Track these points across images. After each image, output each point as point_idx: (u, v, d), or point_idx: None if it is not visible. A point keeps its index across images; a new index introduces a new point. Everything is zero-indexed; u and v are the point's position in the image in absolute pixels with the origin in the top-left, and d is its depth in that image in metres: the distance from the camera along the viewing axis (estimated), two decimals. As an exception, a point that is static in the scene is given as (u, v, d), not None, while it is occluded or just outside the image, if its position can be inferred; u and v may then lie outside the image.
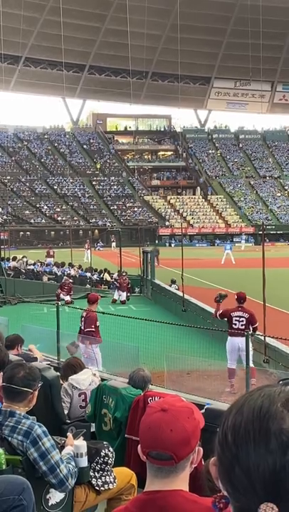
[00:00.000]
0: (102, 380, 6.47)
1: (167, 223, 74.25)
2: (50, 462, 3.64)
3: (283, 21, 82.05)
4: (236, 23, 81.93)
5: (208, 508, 1.67)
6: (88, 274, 29.72)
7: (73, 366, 6.55)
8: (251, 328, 11.06)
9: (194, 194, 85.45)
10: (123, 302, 23.48)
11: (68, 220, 65.17)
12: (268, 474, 0.99)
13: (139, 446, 1.89)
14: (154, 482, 1.84)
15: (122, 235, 38.21)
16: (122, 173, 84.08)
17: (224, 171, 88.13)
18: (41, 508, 3.77)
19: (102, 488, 4.24)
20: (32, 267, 31.33)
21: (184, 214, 76.98)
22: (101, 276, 29.77)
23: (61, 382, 6.35)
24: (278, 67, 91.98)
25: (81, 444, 4.06)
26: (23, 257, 32.55)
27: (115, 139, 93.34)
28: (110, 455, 4.43)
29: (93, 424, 5.63)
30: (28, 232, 67.47)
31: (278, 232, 71.43)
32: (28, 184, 76.89)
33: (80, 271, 30.81)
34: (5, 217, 64.85)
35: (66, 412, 5.98)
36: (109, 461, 4.39)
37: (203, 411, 4.46)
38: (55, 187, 77.73)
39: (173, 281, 23.65)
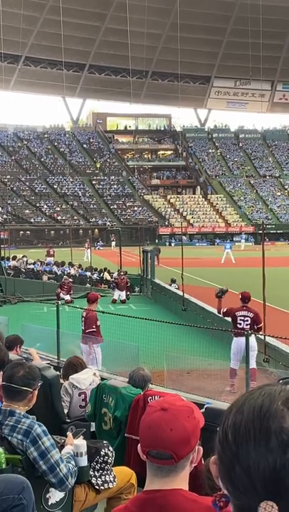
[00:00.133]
0: (102, 379, 6.47)
1: (167, 222, 74.27)
2: (50, 461, 3.64)
3: (283, 20, 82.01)
4: (236, 22, 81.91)
5: (208, 507, 1.67)
6: (88, 274, 29.72)
7: (74, 365, 6.55)
8: (255, 328, 11.02)
9: (194, 193, 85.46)
10: (123, 301, 23.47)
11: (68, 220, 65.18)
12: (268, 473, 0.99)
13: (139, 445, 1.89)
14: (154, 481, 1.84)
15: (122, 234, 38.21)
16: (122, 172, 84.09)
17: (224, 170, 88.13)
18: (41, 507, 3.77)
19: (101, 488, 4.23)
20: (32, 266, 31.33)
21: (184, 213, 76.99)
22: (101, 275, 29.77)
23: (62, 381, 6.36)
24: (278, 67, 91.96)
25: (81, 443, 4.06)
26: (23, 257, 32.55)
27: (115, 138, 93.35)
28: (110, 454, 4.43)
29: (93, 424, 5.63)
30: (28, 232, 67.48)
31: (278, 231, 71.43)
32: (28, 183, 76.90)
33: (80, 270, 30.81)
34: (5, 216, 64.85)
35: (66, 411, 5.98)
36: (109, 461, 4.39)
37: (203, 410, 4.46)
38: (55, 186, 77.73)
39: (173, 281, 23.64)
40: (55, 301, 14.36)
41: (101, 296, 14.28)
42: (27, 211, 71.15)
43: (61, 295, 23.09)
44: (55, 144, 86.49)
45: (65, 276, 26.29)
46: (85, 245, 42.01)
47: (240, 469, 1.02)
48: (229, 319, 11.61)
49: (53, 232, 67.88)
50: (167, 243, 65.53)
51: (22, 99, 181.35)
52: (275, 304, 17.10)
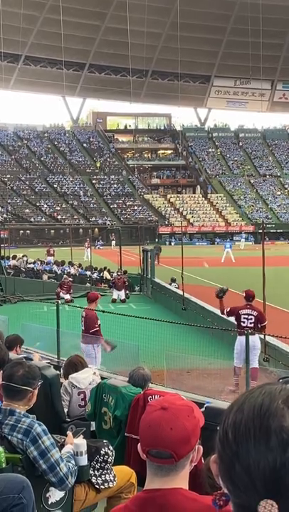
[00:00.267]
0: (102, 378, 6.47)
1: (167, 222, 74.27)
2: (50, 461, 3.64)
3: (283, 19, 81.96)
4: (236, 21, 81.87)
5: (207, 506, 1.67)
6: (88, 273, 29.73)
7: (75, 364, 6.54)
8: (259, 326, 10.97)
9: (194, 193, 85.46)
10: (123, 301, 23.49)
11: (68, 219, 65.20)
12: (268, 472, 0.99)
13: (139, 444, 1.89)
14: (154, 480, 1.84)
15: (122, 233, 38.19)
16: (122, 171, 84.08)
17: (224, 169, 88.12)
18: (41, 506, 3.77)
19: (102, 487, 4.24)
20: (32, 265, 31.33)
21: (184, 212, 76.99)
22: (101, 274, 29.78)
23: (63, 379, 6.36)
24: (278, 66, 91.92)
25: (81, 442, 4.06)
26: (23, 256, 32.55)
27: (115, 137, 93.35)
28: (110, 453, 4.43)
29: (93, 423, 5.63)
30: (28, 231, 67.46)
31: (278, 230, 71.42)
32: (28, 183, 76.90)
33: (80, 269, 30.82)
34: (5, 215, 64.87)
35: (65, 410, 5.98)
36: (109, 460, 4.39)
37: (203, 409, 4.46)
38: (55, 185, 77.73)
39: (173, 280, 23.65)
40: (55, 301, 14.36)
41: (101, 295, 14.26)
42: (27, 210, 71.14)
43: (61, 294, 23.10)
44: (55, 143, 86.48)
45: (64, 276, 26.28)
46: (85, 244, 42.01)
47: (240, 468, 1.02)
48: (232, 319, 11.48)
49: (53, 231, 67.88)
50: (167, 242, 65.53)
51: (22, 98, 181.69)
52: (275, 303, 17.10)
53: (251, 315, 11.02)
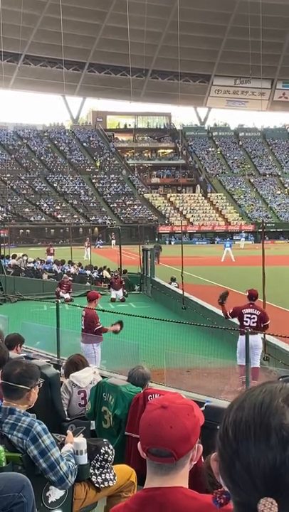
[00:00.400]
0: (102, 377, 6.47)
1: (167, 221, 74.27)
2: (50, 459, 3.64)
3: (283, 19, 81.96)
4: (236, 20, 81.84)
5: (207, 504, 1.67)
6: (88, 272, 29.74)
7: (75, 363, 6.54)
8: (262, 326, 10.94)
9: (194, 192, 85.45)
10: (122, 300, 23.52)
11: (68, 218, 65.20)
12: (268, 470, 0.99)
13: (139, 443, 1.89)
14: (154, 479, 1.84)
15: (122, 232, 38.18)
16: (121, 171, 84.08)
17: (224, 168, 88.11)
18: (41, 505, 3.77)
19: (102, 486, 4.24)
20: (32, 264, 31.33)
21: (184, 212, 76.99)
22: (100, 273, 29.78)
23: (64, 378, 6.36)
24: (278, 65, 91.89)
25: (81, 441, 4.06)
26: (23, 255, 32.54)
27: (115, 136, 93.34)
28: (110, 452, 4.43)
29: (93, 422, 5.63)
30: (28, 230, 67.44)
31: (278, 230, 71.44)
32: (27, 182, 76.90)
33: (79, 269, 30.83)
34: (5, 215, 64.89)
35: (65, 409, 5.98)
36: (109, 459, 4.39)
37: (202, 408, 4.46)
38: (55, 185, 77.73)
39: (173, 279, 23.66)
40: (55, 300, 14.33)
41: (101, 294, 14.26)
42: (27, 210, 71.14)
43: (60, 293, 23.10)
44: (55, 142, 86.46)
45: (64, 275, 26.29)
46: (84, 244, 42.00)
47: (240, 466, 1.03)
48: (235, 319, 11.39)
49: (52, 230, 67.87)
50: (167, 242, 65.54)
51: (22, 97, 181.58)
52: (274, 302, 17.09)
53: (254, 314, 10.98)
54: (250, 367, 9.78)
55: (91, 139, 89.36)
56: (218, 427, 1.10)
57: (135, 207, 76.26)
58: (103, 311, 12.74)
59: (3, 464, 3.52)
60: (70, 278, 25.89)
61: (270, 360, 11.97)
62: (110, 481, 4.28)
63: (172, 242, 63.64)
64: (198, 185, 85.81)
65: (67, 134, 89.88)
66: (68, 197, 74.80)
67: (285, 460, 0.99)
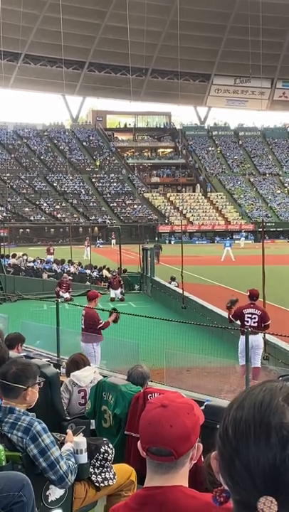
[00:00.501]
0: (102, 376, 6.47)
1: (167, 220, 74.26)
2: (50, 459, 3.64)
3: (283, 18, 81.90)
4: (236, 19, 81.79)
5: (207, 503, 1.67)
6: (88, 272, 29.74)
7: (77, 362, 6.54)
8: (263, 326, 10.94)
9: (194, 191, 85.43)
10: (122, 299, 23.54)
11: (68, 218, 65.15)
12: (268, 468, 0.99)
13: (139, 442, 1.89)
14: (154, 478, 1.84)
15: (122, 232, 38.20)
16: (121, 170, 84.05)
17: (224, 168, 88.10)
18: (41, 504, 3.77)
19: (101, 485, 4.24)
20: (32, 264, 31.32)
21: (184, 211, 76.98)
22: (100, 273, 29.78)
23: (65, 377, 6.36)
24: (278, 64, 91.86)
25: (81, 440, 4.07)
26: (23, 255, 32.53)
27: (115, 136, 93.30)
28: (110, 451, 4.43)
29: (93, 421, 5.63)
30: (28, 230, 67.41)
31: (278, 229, 71.44)
32: (27, 181, 76.88)
33: (79, 268, 30.83)
34: (5, 214, 64.86)
35: (65, 408, 5.98)
36: (109, 458, 4.39)
37: (202, 407, 4.47)
38: (55, 184, 77.71)
39: (173, 279, 23.66)
40: (55, 299, 14.34)
41: (101, 294, 14.26)
42: (27, 209, 71.12)
43: (60, 293, 23.11)
44: (55, 141, 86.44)
45: (64, 275, 26.30)
46: (84, 243, 41.99)
47: (240, 464, 1.03)
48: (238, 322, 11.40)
49: (52, 230, 67.83)
50: (167, 241, 65.53)
51: (22, 97, 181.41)
52: (274, 301, 17.09)
53: (255, 314, 11.00)
54: (251, 366, 9.79)
55: (91, 138, 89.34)
56: (218, 426, 1.10)
57: (135, 206, 76.24)
58: (103, 310, 12.75)
59: (3, 463, 3.52)
60: (70, 277, 25.89)
61: (270, 359, 11.97)
62: (110, 480, 4.29)
63: (172, 242, 63.62)
64: (198, 185, 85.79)
65: (67, 133, 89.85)
66: (68, 196, 74.78)
67: (284, 459, 0.99)
